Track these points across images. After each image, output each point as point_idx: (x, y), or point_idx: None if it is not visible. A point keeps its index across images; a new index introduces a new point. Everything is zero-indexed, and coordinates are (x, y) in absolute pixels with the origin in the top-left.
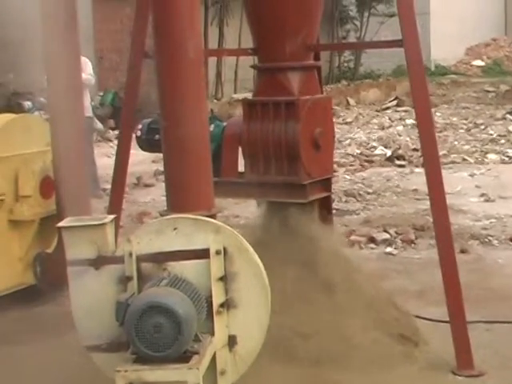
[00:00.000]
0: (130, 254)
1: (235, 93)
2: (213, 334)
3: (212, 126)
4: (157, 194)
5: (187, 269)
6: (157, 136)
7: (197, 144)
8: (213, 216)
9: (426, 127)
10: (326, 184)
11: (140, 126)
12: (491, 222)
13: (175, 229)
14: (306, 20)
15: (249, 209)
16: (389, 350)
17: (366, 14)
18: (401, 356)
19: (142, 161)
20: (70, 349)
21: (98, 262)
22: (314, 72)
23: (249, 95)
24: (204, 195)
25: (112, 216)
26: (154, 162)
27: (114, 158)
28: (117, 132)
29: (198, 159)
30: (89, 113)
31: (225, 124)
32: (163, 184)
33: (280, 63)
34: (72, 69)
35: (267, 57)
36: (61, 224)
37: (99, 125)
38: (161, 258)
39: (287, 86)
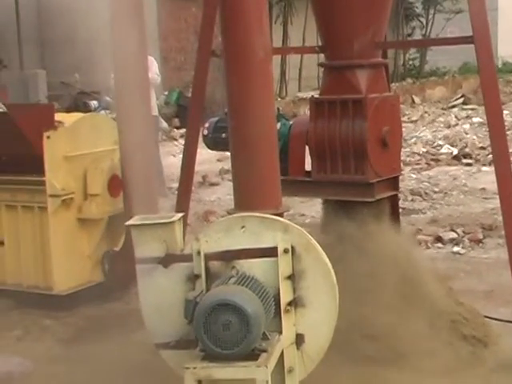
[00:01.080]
0: (199, 252)
1: (299, 91)
2: (281, 332)
3: (279, 124)
4: (222, 193)
5: (255, 267)
6: (223, 134)
7: (264, 143)
8: (280, 214)
9: (496, 125)
10: (394, 183)
11: (207, 125)
12: None
13: (243, 227)
14: (375, 17)
15: (314, 207)
16: (458, 351)
17: (432, 11)
18: (470, 357)
19: (207, 159)
20: (138, 346)
21: (167, 260)
22: (382, 70)
23: (313, 93)
24: (271, 194)
25: (180, 214)
26: (219, 160)
27: (178, 156)
28: (181, 131)
29: (265, 158)
30: (154, 112)
31: (291, 122)
32: (228, 182)
33: (348, 61)
34: (139, 68)
35: (335, 55)
36: (130, 222)
37: (164, 124)
38: (229, 257)
39: (355, 83)
